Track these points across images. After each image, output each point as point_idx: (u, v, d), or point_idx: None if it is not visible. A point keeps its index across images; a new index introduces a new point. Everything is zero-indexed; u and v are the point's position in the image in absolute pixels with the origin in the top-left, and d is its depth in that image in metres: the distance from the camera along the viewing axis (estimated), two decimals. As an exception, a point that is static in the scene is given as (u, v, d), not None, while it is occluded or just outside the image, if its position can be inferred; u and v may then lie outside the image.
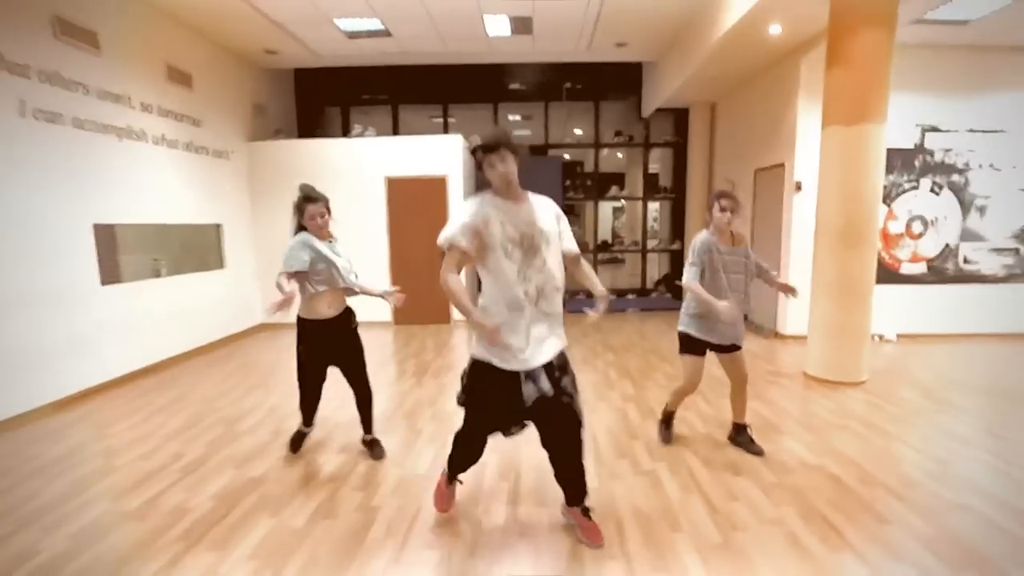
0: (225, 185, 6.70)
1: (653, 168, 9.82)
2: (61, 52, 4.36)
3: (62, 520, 2.62)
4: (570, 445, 2.34)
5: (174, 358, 5.64)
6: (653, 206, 9.96)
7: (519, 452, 3.26)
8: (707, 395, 4.31)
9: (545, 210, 2.30)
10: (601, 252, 9.67)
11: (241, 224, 7.04)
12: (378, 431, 3.48)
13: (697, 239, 3.07)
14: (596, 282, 2.43)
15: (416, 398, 4.39)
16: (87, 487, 2.96)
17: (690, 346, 3.19)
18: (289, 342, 6.50)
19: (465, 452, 2.48)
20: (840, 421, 3.76)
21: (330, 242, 3.12)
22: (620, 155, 10.68)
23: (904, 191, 6.09)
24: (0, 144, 3.87)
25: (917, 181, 6.07)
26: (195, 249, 6.30)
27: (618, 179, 10.20)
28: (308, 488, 2.91)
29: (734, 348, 3.17)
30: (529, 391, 2.17)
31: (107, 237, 4.83)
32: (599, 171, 9.40)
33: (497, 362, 2.19)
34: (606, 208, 10.29)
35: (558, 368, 2.25)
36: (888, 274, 6.17)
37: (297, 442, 3.37)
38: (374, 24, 6.25)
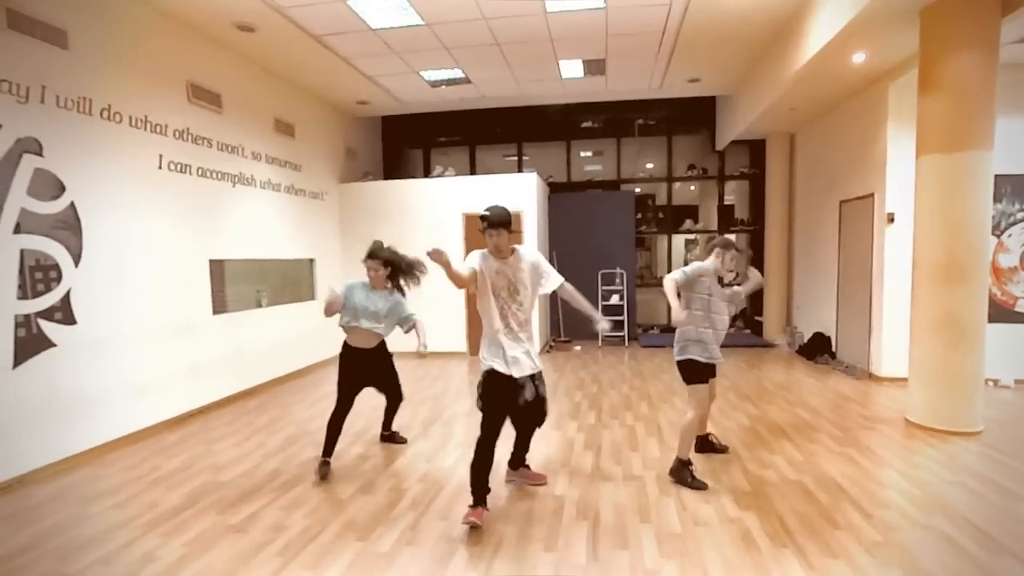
0: (319, 223, 7.28)
1: (729, 200, 9.60)
2: (192, 112, 5.02)
3: (181, 527, 2.91)
4: (534, 428, 3.29)
5: (270, 382, 6.10)
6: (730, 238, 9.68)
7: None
8: (794, 439, 4.08)
9: (525, 262, 3.02)
10: (675, 286, 9.46)
11: (331, 258, 7.59)
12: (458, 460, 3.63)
13: (701, 263, 3.42)
14: (583, 302, 3.19)
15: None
16: (200, 498, 3.26)
17: (700, 373, 3.37)
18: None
19: (484, 458, 2.89)
20: (952, 476, 3.41)
21: (385, 291, 3.74)
22: (693, 188, 10.54)
23: (1017, 221, 5.58)
24: (142, 192, 4.48)
25: (1032, 210, 5.55)
26: (291, 282, 6.85)
27: (692, 212, 10.03)
28: (392, 513, 3.04)
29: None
30: (527, 394, 2.97)
31: (218, 271, 5.40)
32: (672, 204, 9.31)
33: (499, 366, 2.92)
34: (679, 241, 10.13)
35: (537, 378, 3.06)
36: (1000, 312, 5.61)
37: (322, 473, 3.55)
38: (456, 73, 6.68)
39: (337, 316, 3.78)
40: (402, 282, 3.79)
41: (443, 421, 4.72)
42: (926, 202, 4.31)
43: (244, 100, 5.77)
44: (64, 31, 3.83)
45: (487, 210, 2.88)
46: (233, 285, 5.74)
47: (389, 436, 4.22)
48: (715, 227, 9.32)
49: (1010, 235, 5.61)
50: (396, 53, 5.98)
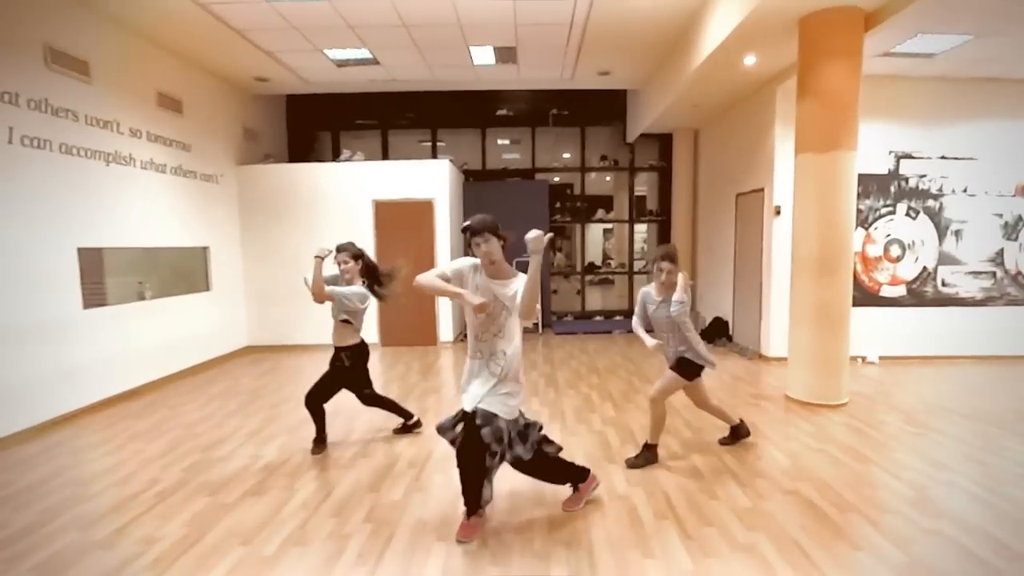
0: (213, 208, 6.76)
1: (640, 191, 9.98)
2: (52, 80, 4.44)
3: (27, 551, 2.60)
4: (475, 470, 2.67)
5: (157, 381, 5.62)
6: (641, 228, 10.11)
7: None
8: (687, 417, 4.33)
9: (516, 288, 2.58)
10: (588, 274, 9.75)
11: (229, 247, 7.08)
12: (356, 455, 3.55)
13: (644, 288, 3.56)
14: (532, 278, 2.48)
15: (397, 422, 4.38)
16: (56, 516, 2.93)
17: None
18: (272, 366, 6.52)
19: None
20: (818, 445, 3.78)
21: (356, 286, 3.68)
22: (608, 179, 10.86)
23: (881, 215, 6.22)
24: (-14, 170, 3.91)
25: (894, 206, 6.20)
26: (182, 272, 6.32)
27: (606, 202, 10.35)
28: (280, 515, 2.90)
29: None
30: (448, 436, 2.70)
31: (94, 261, 4.86)
32: (586, 194, 9.54)
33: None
34: (596, 230, 10.43)
35: (476, 421, 2.54)
36: (868, 296, 6.26)
37: (318, 448, 3.78)
38: (363, 53, 6.40)
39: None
40: (377, 288, 3.75)
41: (346, 416, 4.56)
42: (803, 198, 4.69)
43: (118, 70, 5.18)
44: None
45: (467, 221, 2.59)
46: (113, 276, 5.20)
47: (402, 429, 4.11)
48: (627, 217, 9.66)
49: (876, 228, 6.25)
50: (295, 28, 5.61)
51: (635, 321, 3.52)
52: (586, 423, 4.31)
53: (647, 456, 3.48)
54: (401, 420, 4.09)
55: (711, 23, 5.06)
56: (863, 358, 6.18)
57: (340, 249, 3.65)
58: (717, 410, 3.71)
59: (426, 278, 2.59)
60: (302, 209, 7.29)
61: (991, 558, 2.43)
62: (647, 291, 3.49)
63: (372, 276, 3.75)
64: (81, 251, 4.70)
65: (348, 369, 3.76)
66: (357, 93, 8.14)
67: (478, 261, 2.62)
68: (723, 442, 3.79)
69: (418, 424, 4.13)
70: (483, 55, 6.55)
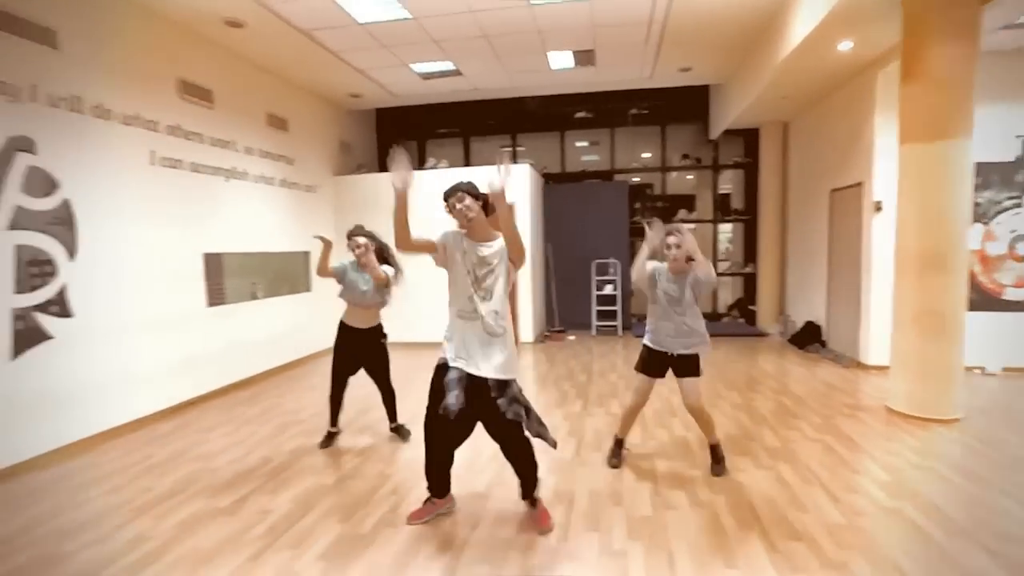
0: (313, 216, 7.37)
1: (725, 189, 9.61)
2: (183, 108, 5.11)
3: (167, 512, 3.03)
4: (509, 450, 2.74)
5: (264, 372, 6.23)
6: (725, 228, 9.72)
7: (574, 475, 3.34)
8: (773, 424, 4.16)
9: (501, 247, 2.61)
10: (670, 276, 9.51)
11: (326, 251, 7.68)
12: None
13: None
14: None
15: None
16: (188, 485, 3.38)
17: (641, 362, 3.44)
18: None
19: (427, 449, 2.82)
20: (925, 462, 3.48)
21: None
22: (690, 177, 10.54)
23: (1004, 209, 5.58)
24: (134, 187, 4.58)
25: (1020, 198, 5.54)
26: (286, 274, 6.95)
27: (688, 201, 10.04)
28: (374, 498, 3.15)
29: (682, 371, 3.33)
30: (449, 399, 2.54)
31: (214, 264, 5.50)
32: (667, 194, 9.34)
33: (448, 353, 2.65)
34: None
35: (494, 388, 2.57)
36: (988, 300, 5.64)
37: (326, 442, 4.00)
38: (446, 65, 6.71)
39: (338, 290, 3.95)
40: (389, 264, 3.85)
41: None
42: (908, 191, 4.34)
43: (236, 95, 5.84)
44: (53, 31, 3.90)
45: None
46: (229, 278, 5.85)
47: (395, 428, 4.19)
48: (710, 217, 9.33)
49: (998, 223, 5.62)
50: (385, 47, 6.02)
51: (635, 267, 3.29)
52: (667, 427, 4.26)
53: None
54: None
55: (801, 9, 4.81)
56: (982, 368, 5.58)
57: (352, 234, 3.75)
58: (708, 418, 3.41)
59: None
60: (390, 214, 7.72)
61: None
62: (660, 267, 3.30)
63: (384, 257, 3.83)
64: (206, 256, 5.35)
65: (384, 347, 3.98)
66: (440, 103, 8.52)
67: (453, 229, 2.67)
68: (716, 472, 3.37)
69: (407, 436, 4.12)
70: (561, 59, 6.64)
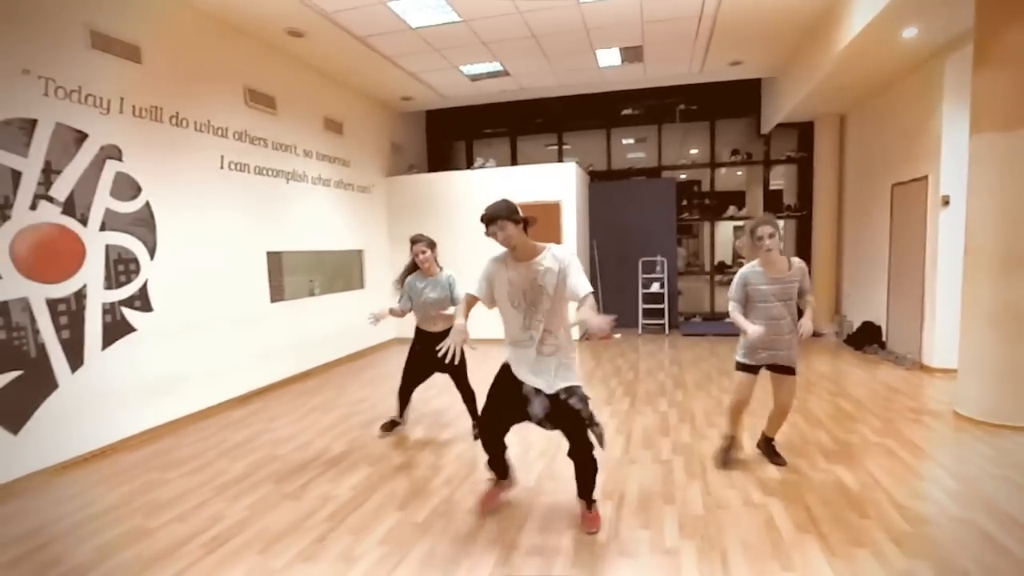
0: (367, 215, 7.65)
1: (776, 185, 9.32)
2: (250, 115, 5.41)
3: (240, 494, 3.26)
4: (574, 448, 2.73)
5: (324, 365, 6.52)
6: (778, 224, 9.42)
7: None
8: (830, 427, 4.05)
9: (550, 264, 2.58)
10: (718, 274, 9.33)
11: (379, 249, 7.96)
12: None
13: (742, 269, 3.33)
14: (582, 313, 2.44)
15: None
16: (258, 469, 3.62)
17: (741, 367, 3.42)
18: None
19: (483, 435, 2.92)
20: (1000, 471, 3.30)
21: (434, 277, 3.93)
22: (740, 173, 10.28)
23: (1091, 203, 5.18)
24: (206, 190, 4.90)
25: (1109, 191, 5.13)
26: (341, 272, 7.25)
27: (737, 198, 9.79)
28: (428, 487, 3.28)
29: (785, 370, 3.34)
30: (535, 408, 2.66)
31: (275, 262, 5.81)
32: (716, 190, 9.15)
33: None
34: (726, 228, 9.91)
35: (560, 397, 2.61)
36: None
37: (387, 427, 4.20)
38: (494, 66, 6.82)
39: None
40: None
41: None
42: (981, 184, 4.12)
43: (296, 101, 6.13)
44: (137, 47, 4.23)
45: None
46: (289, 275, 6.15)
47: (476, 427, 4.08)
48: (760, 213, 9.07)
49: (1083, 218, 5.22)
50: (436, 50, 6.17)
51: (733, 307, 3.29)
52: (717, 427, 4.21)
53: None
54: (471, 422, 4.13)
55: (863, -3, 4.63)
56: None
57: (416, 240, 3.91)
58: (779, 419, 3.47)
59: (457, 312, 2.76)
60: (442, 214, 7.94)
61: None
62: (750, 271, 3.23)
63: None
64: (268, 255, 5.66)
65: None
66: (488, 103, 8.64)
67: (496, 256, 2.66)
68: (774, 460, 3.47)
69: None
70: (609, 57, 6.62)
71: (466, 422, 4.18)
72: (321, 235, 6.62)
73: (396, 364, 6.81)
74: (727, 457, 3.47)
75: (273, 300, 5.73)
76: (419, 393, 5.37)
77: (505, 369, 2.76)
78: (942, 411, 4.41)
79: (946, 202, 5.35)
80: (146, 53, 4.30)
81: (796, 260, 3.29)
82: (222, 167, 5.07)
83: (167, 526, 2.90)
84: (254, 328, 5.44)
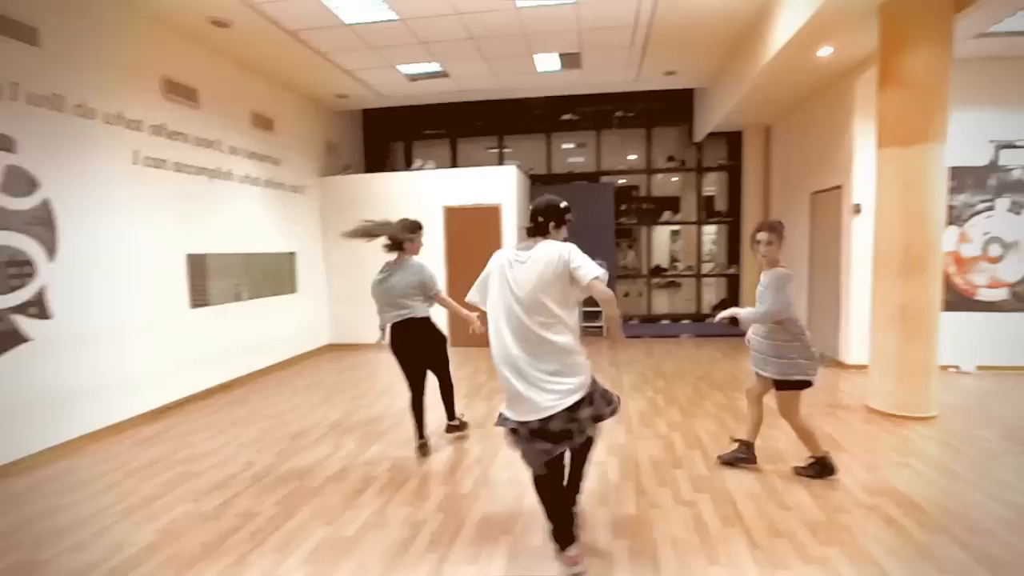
0: (299, 216, 7.33)
1: (709, 191, 9.72)
2: (168, 108, 5.05)
3: (150, 517, 3.00)
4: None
5: (251, 375, 6.18)
6: (710, 230, 9.83)
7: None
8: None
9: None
10: (655, 276, 9.62)
11: (312, 251, 7.64)
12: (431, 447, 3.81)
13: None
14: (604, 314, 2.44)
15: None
16: (172, 488, 3.35)
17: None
18: (352, 363, 6.97)
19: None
20: (903, 459, 3.56)
21: (405, 263, 3.83)
22: (675, 179, 10.65)
23: (978, 211, 5.73)
24: (117, 187, 4.52)
25: (993, 201, 5.70)
26: (272, 276, 6.90)
27: (673, 203, 10.14)
28: (359, 500, 3.15)
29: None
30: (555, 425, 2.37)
31: (198, 265, 5.44)
32: (653, 196, 9.43)
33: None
34: (663, 232, 10.23)
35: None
36: (963, 300, 5.79)
37: (422, 450, 3.83)
38: (433, 67, 6.72)
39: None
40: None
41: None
42: (885, 194, 4.44)
43: (221, 95, 5.78)
44: (35, 28, 3.85)
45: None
46: (214, 279, 5.78)
47: (455, 427, 4.09)
48: (695, 218, 9.44)
49: (972, 225, 5.77)
50: (372, 48, 6.01)
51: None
52: (652, 427, 4.30)
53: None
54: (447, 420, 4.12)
55: (782, 15, 4.90)
56: (957, 368, 5.72)
57: (415, 228, 3.89)
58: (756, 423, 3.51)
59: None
60: (378, 215, 7.66)
61: (1095, 583, 2.24)
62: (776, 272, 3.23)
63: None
64: (189, 257, 5.29)
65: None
66: (428, 104, 8.51)
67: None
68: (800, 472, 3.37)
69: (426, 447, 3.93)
70: (548, 62, 6.68)
71: (403, 432, 4.08)
72: (249, 237, 6.28)
73: (329, 371, 6.65)
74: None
75: (194, 305, 5.36)
76: (353, 400, 5.21)
77: None
78: (855, 405, 4.72)
79: (858, 210, 5.75)
80: (45, 36, 3.92)
81: (773, 270, 3.26)
82: (136, 162, 4.70)
83: (61, 557, 2.62)
84: (171, 336, 5.06)
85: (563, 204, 2.51)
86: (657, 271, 9.70)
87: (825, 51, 5.16)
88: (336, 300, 7.96)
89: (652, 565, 2.46)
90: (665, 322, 9.16)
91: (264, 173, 6.55)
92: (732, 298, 9.21)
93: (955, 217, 5.71)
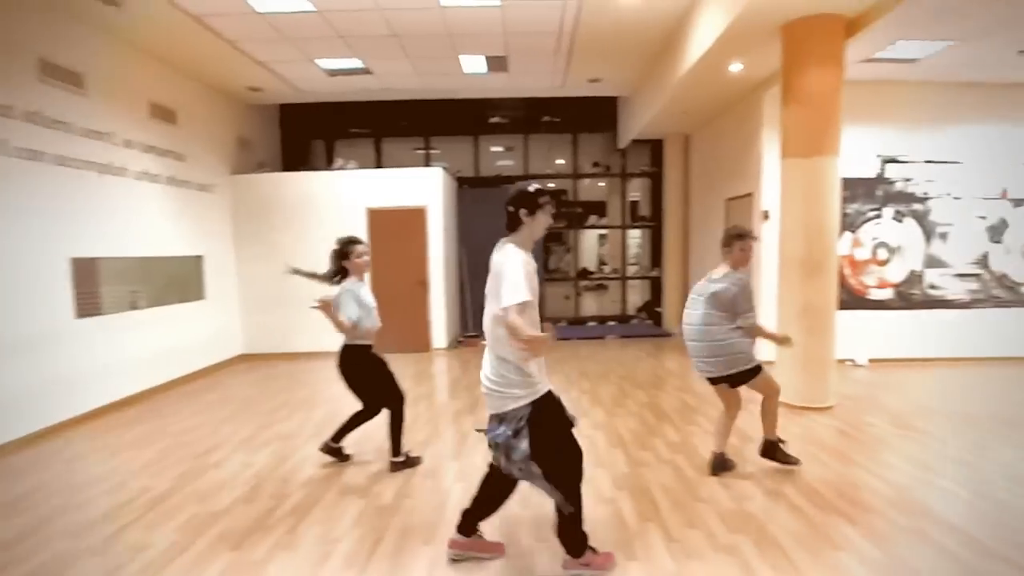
0: (208, 217, 6.80)
1: (634, 197, 10.06)
2: (46, 93, 4.50)
3: (21, 558, 2.62)
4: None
5: (152, 390, 5.64)
6: (635, 234, 10.18)
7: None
8: (676, 422, 4.38)
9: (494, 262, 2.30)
10: (582, 279, 9.82)
11: (223, 255, 7.12)
12: (348, 463, 3.59)
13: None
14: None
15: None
16: (49, 523, 2.96)
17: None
18: (266, 374, 6.56)
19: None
20: (803, 447, 3.81)
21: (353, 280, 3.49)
22: (601, 184, 10.95)
23: (868, 219, 6.30)
24: (-21, 182, 3.96)
25: (880, 209, 6.28)
26: (176, 281, 6.34)
27: (599, 208, 10.40)
28: (269, 521, 2.93)
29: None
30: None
31: (86, 270, 4.89)
32: (580, 200, 9.62)
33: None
34: (590, 236, 10.48)
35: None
36: (857, 300, 6.32)
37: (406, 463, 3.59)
38: (354, 63, 6.47)
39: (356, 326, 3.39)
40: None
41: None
42: (788, 202, 4.76)
43: (112, 81, 5.24)
44: None
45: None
46: (107, 285, 5.23)
47: (399, 463, 3.59)
48: (620, 223, 9.73)
49: (863, 231, 6.32)
50: (287, 39, 5.69)
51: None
52: (576, 428, 4.33)
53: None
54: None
55: (696, 30, 5.14)
56: (852, 361, 6.24)
57: (355, 242, 3.45)
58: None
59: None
60: (296, 217, 7.34)
61: (966, 555, 2.48)
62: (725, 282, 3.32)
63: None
64: (75, 261, 4.74)
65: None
66: (350, 102, 8.20)
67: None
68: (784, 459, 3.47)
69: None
70: (474, 64, 6.63)
71: (312, 447, 3.84)
72: (149, 239, 5.73)
73: (242, 383, 6.21)
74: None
75: (80, 315, 4.79)
76: (267, 414, 4.89)
77: (549, 398, 2.39)
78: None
79: (767, 216, 6.14)
80: None
81: (741, 272, 3.36)
82: (6, 153, 4.14)
83: None
84: (49, 350, 4.48)
85: (533, 188, 2.29)
86: (584, 274, 9.90)
87: (736, 67, 5.46)
88: (249, 307, 7.46)
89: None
90: (592, 324, 9.36)
91: (166, 169, 6.02)
92: (655, 299, 9.57)
93: (849, 224, 6.23)
